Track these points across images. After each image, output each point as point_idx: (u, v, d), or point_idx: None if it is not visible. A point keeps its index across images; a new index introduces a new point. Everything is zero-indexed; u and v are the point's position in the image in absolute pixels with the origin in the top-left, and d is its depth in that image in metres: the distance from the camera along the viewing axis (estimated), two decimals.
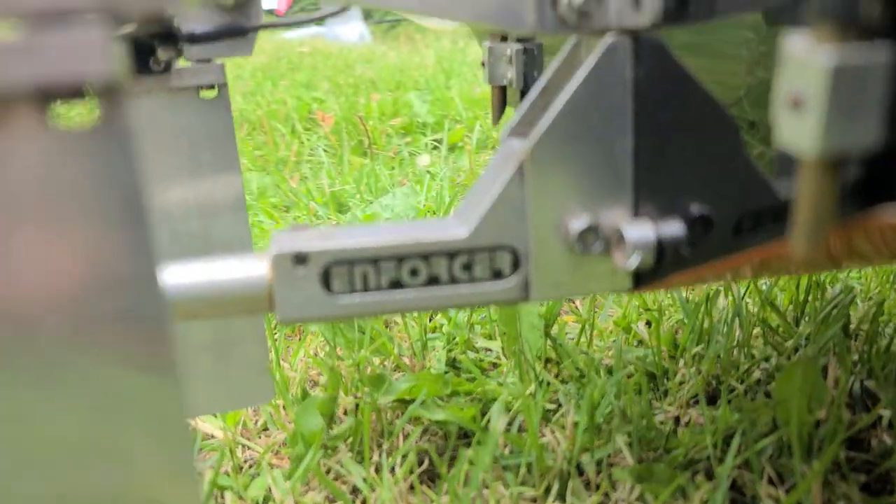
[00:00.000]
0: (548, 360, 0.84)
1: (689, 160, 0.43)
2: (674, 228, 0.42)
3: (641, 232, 0.41)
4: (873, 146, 0.24)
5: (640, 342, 0.91)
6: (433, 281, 0.44)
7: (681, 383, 0.78)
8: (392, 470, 0.65)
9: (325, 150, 2.31)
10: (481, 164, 2.13)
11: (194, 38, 0.53)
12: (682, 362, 0.81)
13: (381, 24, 6.74)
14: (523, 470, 0.62)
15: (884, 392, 0.74)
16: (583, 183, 0.43)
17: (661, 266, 0.42)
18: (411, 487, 0.65)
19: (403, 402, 0.74)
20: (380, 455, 0.67)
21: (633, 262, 0.41)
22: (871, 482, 0.67)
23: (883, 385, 0.75)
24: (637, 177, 0.43)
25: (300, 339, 0.92)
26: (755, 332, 0.86)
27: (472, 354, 0.87)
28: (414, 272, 0.43)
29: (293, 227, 0.45)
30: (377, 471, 0.66)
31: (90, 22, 0.20)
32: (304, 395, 0.77)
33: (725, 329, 0.82)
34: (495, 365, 0.87)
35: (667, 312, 0.95)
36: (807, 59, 0.24)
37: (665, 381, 0.78)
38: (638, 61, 0.41)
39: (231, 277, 0.42)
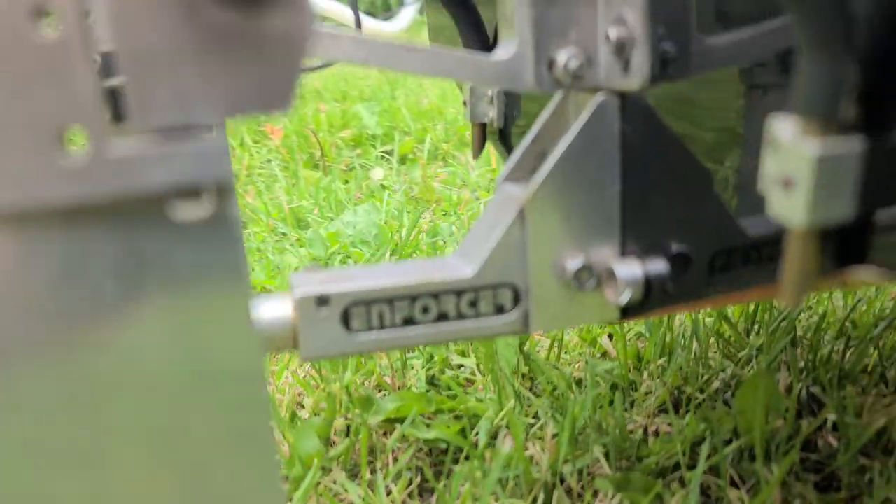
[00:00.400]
0: (521, 375, 0.88)
1: (669, 204, 0.48)
2: (658, 266, 0.46)
3: (630, 270, 0.46)
4: (849, 219, 0.29)
5: (604, 354, 0.96)
6: (442, 317, 0.47)
7: (647, 394, 0.83)
8: (387, 487, 0.68)
9: (277, 164, 2.32)
10: (433, 177, 2.17)
11: None
12: (646, 374, 0.86)
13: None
14: (511, 483, 0.66)
15: (828, 397, 0.81)
16: (577, 225, 0.47)
17: (647, 301, 0.47)
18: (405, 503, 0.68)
19: (390, 421, 0.77)
20: (373, 473, 0.70)
21: (625, 298, 0.46)
22: (820, 481, 0.73)
23: (828, 391, 0.82)
24: (624, 219, 0.47)
25: (286, 361, 0.95)
26: (711, 343, 0.92)
27: (449, 372, 0.91)
28: (425, 310, 0.47)
29: (308, 268, 0.48)
30: (372, 488, 0.69)
31: (212, 134, 0.24)
32: (293, 416, 0.79)
33: (685, 342, 0.88)
34: (470, 381, 0.91)
35: (627, 325, 1.01)
36: (795, 148, 0.28)
37: (632, 392, 0.83)
38: (625, 117, 0.45)
39: (257, 318, 0.45)
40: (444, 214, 1.89)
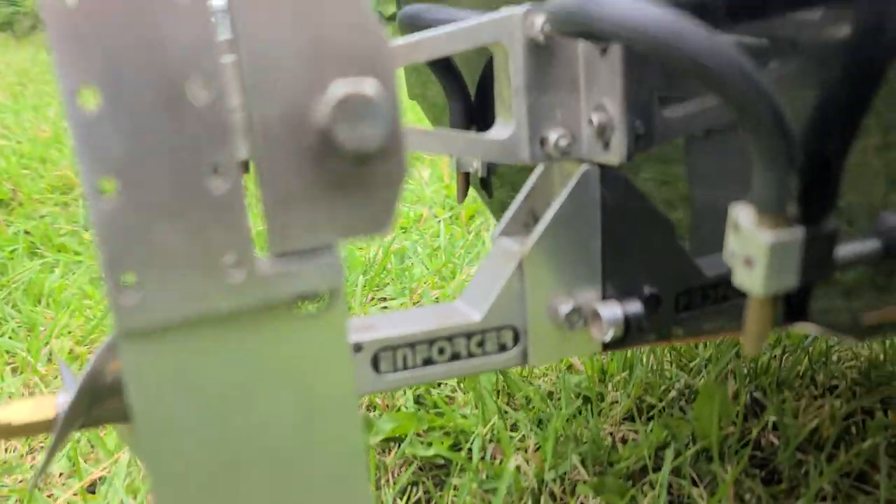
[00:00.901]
0: (498, 391, 0.96)
1: (640, 253, 0.56)
2: (634, 307, 0.55)
3: (612, 312, 0.54)
4: (794, 288, 0.37)
5: (570, 367, 1.04)
6: (455, 356, 0.55)
7: (612, 404, 0.91)
8: (394, 502, 0.75)
9: None
10: None
11: None
12: (611, 386, 0.95)
13: None
14: (503, 492, 0.73)
15: (769, 401, 0.91)
16: (566, 275, 0.55)
17: (626, 337, 0.55)
18: None
19: (388, 440, 0.84)
20: (378, 489, 0.77)
21: (609, 335, 0.54)
22: (765, 476, 0.82)
23: (768, 395, 0.92)
24: (605, 268, 0.55)
25: None
26: (666, 355, 1.01)
27: (433, 391, 0.98)
28: (441, 351, 0.54)
29: None
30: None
31: (331, 250, 0.31)
32: None
33: (644, 356, 0.97)
34: (451, 398, 0.98)
35: None
36: (753, 236, 0.37)
37: (599, 403, 0.92)
38: (604, 184, 0.54)
39: None
40: (404, 231, 1.96)
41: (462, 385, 0.98)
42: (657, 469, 0.77)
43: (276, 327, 0.30)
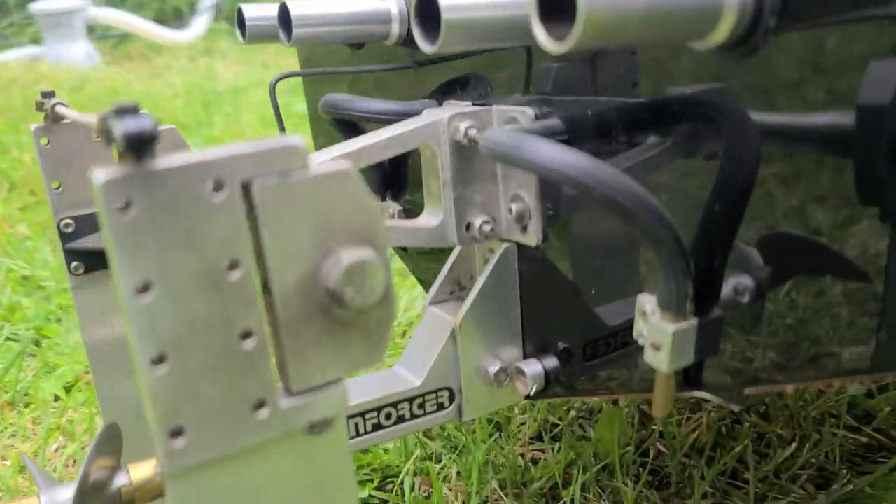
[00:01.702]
0: None
1: (553, 314, 0.64)
2: (551, 361, 0.63)
3: (534, 368, 0.62)
4: (690, 363, 0.46)
5: None
6: (400, 419, 0.61)
7: (520, 426, 1.00)
8: None
9: None
10: None
11: None
12: (517, 410, 1.04)
13: (106, 39, 5.83)
14: None
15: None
16: (492, 339, 0.63)
17: (547, 388, 0.63)
18: None
19: None
20: None
21: (532, 389, 0.62)
22: (656, 481, 0.94)
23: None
24: (524, 331, 0.63)
25: None
26: None
27: None
28: (388, 416, 0.60)
29: None
30: None
31: (338, 383, 0.36)
32: None
33: None
34: None
35: None
36: (660, 326, 0.45)
37: (508, 427, 1.00)
38: (522, 260, 0.62)
39: None
40: None
41: None
42: (566, 485, 0.86)
43: (293, 449, 0.36)
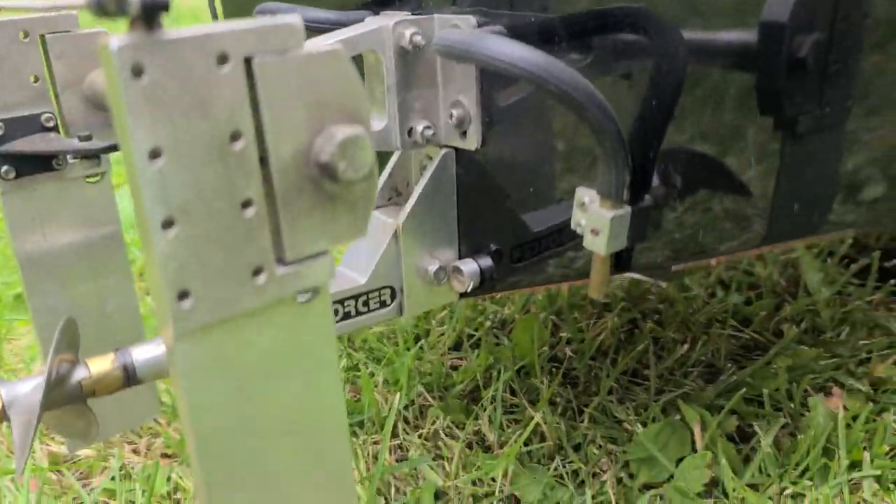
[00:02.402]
0: (339, 336, 1.06)
1: (486, 217, 0.69)
2: (486, 261, 0.67)
3: (470, 267, 0.66)
4: (623, 248, 0.52)
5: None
6: (347, 316, 0.64)
7: (439, 337, 1.05)
8: None
9: None
10: None
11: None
12: (434, 322, 1.08)
13: None
14: (367, 424, 0.84)
15: (565, 324, 1.10)
16: (431, 240, 0.66)
17: (482, 286, 0.68)
18: None
19: None
20: None
21: (468, 286, 0.66)
22: (566, 382, 1.01)
23: (564, 318, 1.11)
24: (460, 232, 0.67)
25: None
26: None
27: None
28: (336, 312, 0.63)
29: None
30: None
31: (326, 254, 0.39)
32: None
33: None
34: None
35: None
36: (599, 213, 0.50)
37: (428, 339, 1.05)
38: (459, 164, 0.65)
39: None
40: None
41: None
42: (487, 387, 0.92)
43: (284, 316, 0.39)
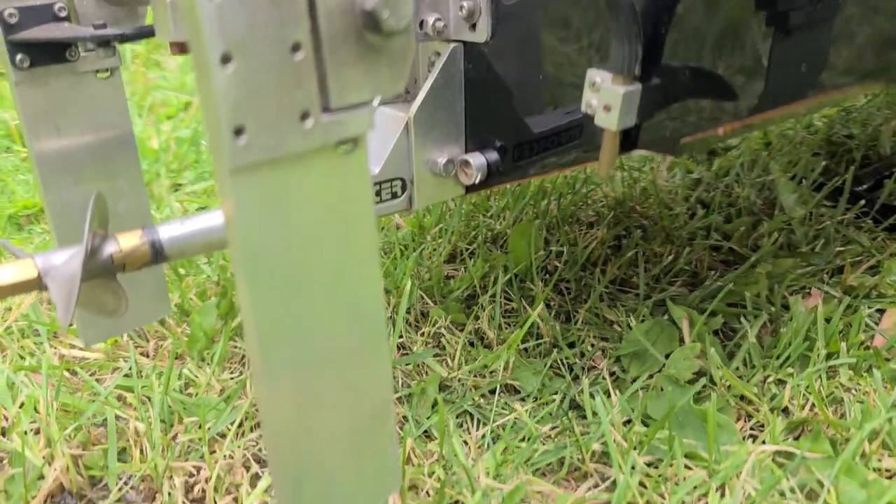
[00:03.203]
0: None
1: (491, 113, 0.70)
2: (492, 155, 0.69)
3: (478, 159, 0.68)
4: (632, 125, 0.54)
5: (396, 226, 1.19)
6: None
7: (433, 251, 1.08)
8: None
9: None
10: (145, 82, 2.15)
11: (124, 38, 0.64)
12: (429, 237, 1.10)
13: None
14: None
15: (556, 236, 1.13)
16: (440, 133, 0.68)
17: (488, 179, 0.70)
18: None
19: None
20: None
21: (477, 178, 0.68)
22: (559, 290, 1.05)
23: (555, 230, 1.14)
24: (467, 127, 0.69)
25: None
26: (472, 210, 1.19)
27: None
28: None
29: None
30: None
31: (367, 105, 0.41)
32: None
33: (450, 214, 1.14)
34: None
35: None
36: (612, 90, 0.52)
37: (423, 251, 1.07)
38: (468, 59, 0.66)
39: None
40: (169, 118, 1.92)
41: None
42: (484, 292, 0.95)
43: (326, 164, 0.40)
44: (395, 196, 0.68)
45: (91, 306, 0.58)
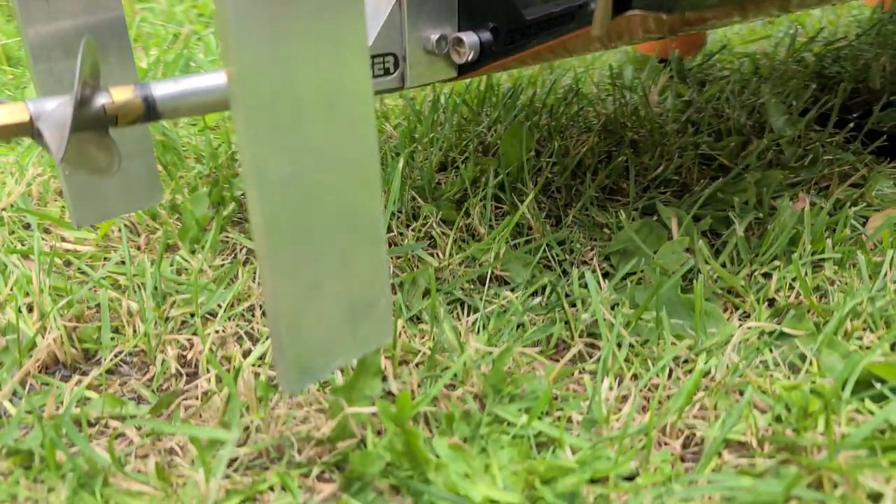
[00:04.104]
0: None
1: None
2: (485, 35, 0.69)
3: (471, 38, 0.68)
4: None
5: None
6: None
7: (423, 160, 1.07)
8: None
9: None
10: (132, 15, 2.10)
11: None
12: (419, 146, 1.10)
13: None
14: None
15: (549, 144, 1.13)
16: (433, 9, 0.67)
17: (480, 59, 0.69)
18: None
19: None
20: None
21: (469, 56, 0.68)
22: (549, 195, 1.05)
23: (548, 139, 1.14)
24: (460, 6, 0.68)
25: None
26: (461, 119, 1.19)
27: None
28: None
29: None
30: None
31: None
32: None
33: (446, 118, 1.13)
34: None
35: (392, 117, 1.24)
36: None
37: (414, 155, 1.07)
38: None
39: (223, 82, 0.59)
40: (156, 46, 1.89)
41: None
42: (475, 196, 0.95)
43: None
44: (387, 72, 0.67)
45: (83, 163, 0.57)
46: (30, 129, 0.51)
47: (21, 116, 0.51)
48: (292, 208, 0.43)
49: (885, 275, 0.78)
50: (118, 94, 0.53)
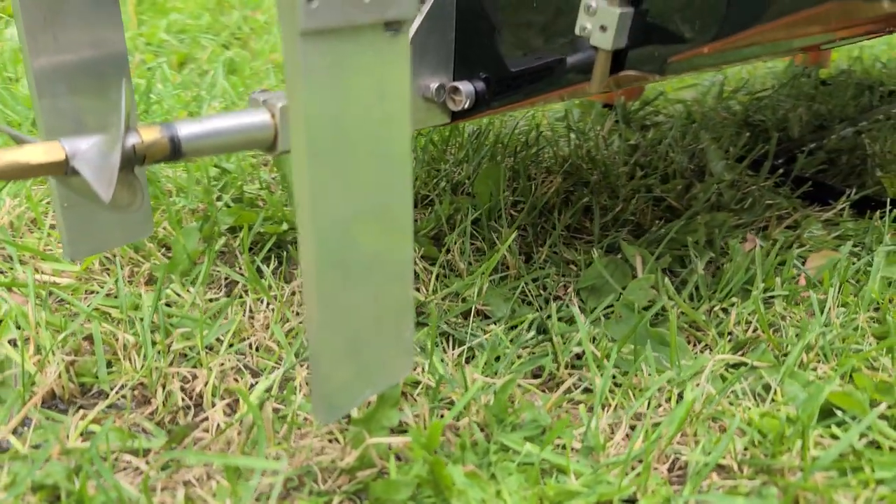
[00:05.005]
0: None
1: (478, 48, 0.74)
2: (480, 84, 0.73)
3: (467, 87, 0.72)
4: (618, 47, 0.59)
5: None
6: None
7: None
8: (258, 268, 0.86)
9: None
10: None
11: None
12: None
13: None
14: None
15: (514, 183, 1.18)
16: (432, 61, 0.71)
17: (475, 107, 0.73)
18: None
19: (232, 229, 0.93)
20: (253, 260, 0.87)
21: (465, 105, 0.72)
22: (519, 232, 1.09)
23: (514, 179, 1.19)
24: (456, 56, 0.72)
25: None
26: (431, 158, 1.22)
27: (245, 190, 1.07)
28: None
29: (261, 91, 0.64)
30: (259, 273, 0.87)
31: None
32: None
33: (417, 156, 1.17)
34: (268, 191, 1.09)
35: None
36: (608, 10, 0.57)
37: None
38: None
39: (245, 123, 0.61)
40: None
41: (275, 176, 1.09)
42: (452, 231, 0.99)
43: (376, 42, 0.43)
44: None
45: (112, 202, 0.58)
46: (65, 168, 0.52)
47: (57, 156, 0.51)
48: (341, 249, 0.46)
49: (831, 310, 0.86)
50: (147, 135, 0.55)
